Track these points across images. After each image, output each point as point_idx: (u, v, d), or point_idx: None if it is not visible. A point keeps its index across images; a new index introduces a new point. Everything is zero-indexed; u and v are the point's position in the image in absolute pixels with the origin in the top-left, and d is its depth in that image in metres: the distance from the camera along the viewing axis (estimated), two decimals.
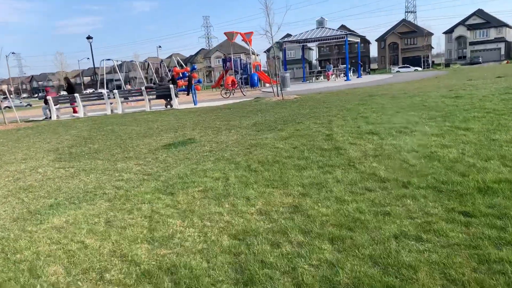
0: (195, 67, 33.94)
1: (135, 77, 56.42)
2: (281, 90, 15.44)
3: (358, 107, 10.03)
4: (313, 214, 3.44)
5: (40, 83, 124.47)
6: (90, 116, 15.59)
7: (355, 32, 27.48)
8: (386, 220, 3.20)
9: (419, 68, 61.86)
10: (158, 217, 3.75)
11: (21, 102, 43.98)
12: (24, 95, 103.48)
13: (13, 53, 57.96)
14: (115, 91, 15.38)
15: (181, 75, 31.92)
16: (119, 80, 31.40)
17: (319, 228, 3.17)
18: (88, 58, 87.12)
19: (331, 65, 31.12)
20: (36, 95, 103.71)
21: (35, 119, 16.80)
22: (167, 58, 79.28)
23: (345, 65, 31.97)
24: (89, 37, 31.87)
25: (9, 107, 42.77)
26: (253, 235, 3.17)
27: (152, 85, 38.31)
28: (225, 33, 35.20)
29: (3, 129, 13.54)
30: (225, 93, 20.17)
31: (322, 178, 4.42)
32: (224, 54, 40.88)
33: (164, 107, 15.89)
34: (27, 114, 23.11)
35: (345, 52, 26.96)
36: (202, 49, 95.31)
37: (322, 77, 35.60)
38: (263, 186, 4.35)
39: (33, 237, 3.55)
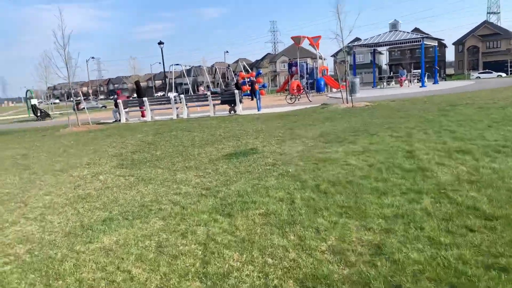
0: (261, 71, 33.86)
1: (202, 82, 58.00)
2: (350, 96, 14.54)
3: (440, 119, 8.92)
4: (401, 260, 2.75)
5: (116, 85, 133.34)
6: (157, 120, 15.88)
7: (431, 35, 25.39)
8: (504, 280, 2.41)
9: (503, 74, 56.35)
10: (213, 245, 3.28)
11: (97, 104, 47.02)
12: (101, 96, 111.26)
13: (92, 57, 62.64)
14: (182, 96, 15.52)
15: (246, 80, 31.96)
16: (187, 84, 32.24)
17: (412, 282, 2.48)
18: (159, 63, 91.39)
19: (404, 70, 29.17)
20: (112, 97, 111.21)
21: (106, 121, 17.55)
22: (234, 63, 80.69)
23: (418, 70, 29.94)
24: (160, 43, 33.13)
25: (86, 108, 46.20)
26: (326, 284, 2.56)
27: (217, 89, 38.95)
28: (292, 38, 34.70)
29: (76, 130, 14.20)
30: (290, 98, 19.61)
31: (407, 208, 3.67)
32: (289, 59, 40.35)
33: (228, 112, 15.72)
34: (100, 116, 24.43)
35: (421, 57, 25.08)
36: (268, 53, 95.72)
37: (393, 83, 33.68)
38: (336, 214, 3.71)
39: (79, 259, 3.25)
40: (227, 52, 69.85)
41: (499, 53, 71.25)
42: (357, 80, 19.67)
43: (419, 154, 5.62)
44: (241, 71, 33.68)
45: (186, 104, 15.62)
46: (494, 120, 8.11)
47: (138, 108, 17.02)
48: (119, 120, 16.23)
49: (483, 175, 4.41)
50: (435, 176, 4.55)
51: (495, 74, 56.17)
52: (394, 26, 26.99)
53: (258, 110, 15.87)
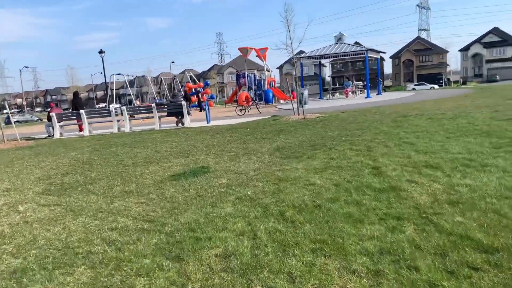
0: (208, 82, 33.05)
1: (147, 92, 56.02)
2: (300, 108, 14.25)
3: (396, 130, 8.72)
4: None
5: (54, 97, 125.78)
6: (96, 134, 14.53)
7: (375, 49, 26.20)
8: None
9: (436, 86, 60.18)
10: None
11: (32, 117, 43.59)
12: (38, 109, 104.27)
13: (26, 67, 58.20)
14: (123, 107, 14.34)
15: (193, 91, 31.04)
16: (131, 95, 30.66)
17: None
18: (101, 73, 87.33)
19: (350, 82, 29.85)
20: (49, 109, 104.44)
21: (38, 136, 15.82)
22: (180, 73, 79.13)
23: (360, 82, 30.86)
24: (101, 51, 31.27)
25: (19, 122, 42.55)
26: None
27: (163, 101, 37.64)
28: (239, 49, 34.39)
29: (0, 148, 12.52)
30: (240, 110, 19.03)
31: (391, 240, 3.12)
32: (237, 70, 40.01)
33: (175, 125, 14.78)
34: (34, 130, 22.26)
35: (365, 69, 25.74)
36: (215, 65, 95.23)
37: (337, 94, 34.39)
38: (309, 251, 3.07)
39: None
40: (173, 62, 68.15)
41: (431, 66, 76.42)
42: (306, 92, 19.56)
43: (386, 170, 5.20)
44: (188, 82, 32.69)
45: (128, 117, 14.46)
46: (449, 131, 8.02)
47: (75, 121, 15.53)
48: (53, 135, 14.67)
49: (462, 194, 4.01)
50: (411, 196, 4.09)
51: (428, 85, 59.90)
52: (339, 39, 27.55)
53: (208, 123, 15.09)
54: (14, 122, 41.92)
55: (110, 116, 14.52)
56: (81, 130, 15.17)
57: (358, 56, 25.94)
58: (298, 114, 13.74)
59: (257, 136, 9.88)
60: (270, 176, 5.53)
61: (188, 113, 14.53)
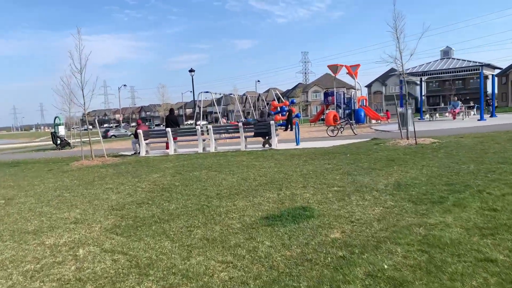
0: (294, 101, 31.85)
1: (233, 110, 56.70)
2: (403, 130, 12.15)
3: None
4: None
5: (147, 113, 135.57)
6: (181, 153, 13.89)
7: (491, 63, 22.64)
8: None
9: None
10: None
11: (126, 131, 46.33)
12: (133, 124, 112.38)
13: (124, 85, 62.87)
14: (209, 126, 13.55)
15: (279, 109, 29.99)
16: (217, 113, 30.63)
17: None
18: (190, 91, 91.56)
19: (459, 102, 26.34)
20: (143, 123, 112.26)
21: (124, 153, 15.74)
22: (265, 92, 79.55)
23: (458, 102, 27.11)
24: (191, 70, 31.87)
25: (115, 136, 45.52)
26: None
27: (249, 119, 37.22)
28: (328, 66, 32.72)
29: (88, 164, 12.36)
30: (332, 130, 17.26)
31: None
32: (325, 88, 38.25)
33: (261, 146, 13.57)
34: (122, 146, 22.83)
35: (480, 87, 22.25)
36: (300, 83, 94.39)
37: (437, 115, 30.75)
38: None
39: None
40: (258, 81, 68.69)
41: None
42: (410, 112, 17.15)
43: None
44: (274, 100, 31.77)
45: (213, 136, 13.60)
46: None
47: (161, 139, 15.16)
48: (139, 153, 14.37)
49: None
50: None
51: None
52: (446, 54, 24.43)
53: (297, 144, 13.62)
54: (110, 136, 45.16)
55: (195, 134, 13.81)
56: (167, 148, 14.70)
57: (472, 72, 22.57)
58: (407, 138, 11.61)
59: (363, 165, 8.10)
60: (408, 235, 3.80)
61: (276, 134, 13.21)
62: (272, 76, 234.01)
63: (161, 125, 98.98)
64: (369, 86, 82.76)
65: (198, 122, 31.02)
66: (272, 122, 12.91)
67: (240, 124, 13.20)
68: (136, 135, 14.47)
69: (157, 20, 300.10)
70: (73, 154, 17.64)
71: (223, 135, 14.44)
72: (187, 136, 14.42)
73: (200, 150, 13.63)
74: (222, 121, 25.86)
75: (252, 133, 13.53)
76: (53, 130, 25.70)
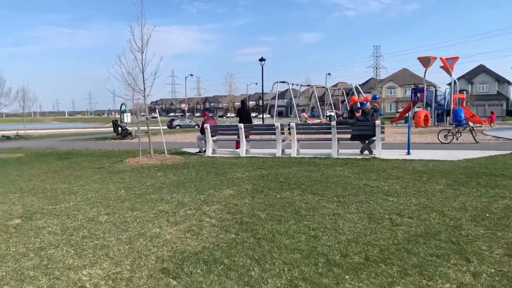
0: (377, 96, 28.01)
1: (298, 105, 53.41)
2: None
3: None
4: None
5: (212, 104, 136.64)
6: (254, 155, 11.22)
7: None
8: None
9: None
10: None
11: (190, 122, 45.10)
12: (197, 114, 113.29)
13: (191, 75, 62.34)
14: (292, 124, 10.74)
15: (358, 105, 26.39)
16: (282, 106, 27.74)
17: None
18: (256, 83, 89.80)
19: None
20: (210, 114, 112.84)
21: (188, 150, 13.41)
22: (332, 86, 75.10)
23: None
24: (261, 59, 29.28)
25: (180, 126, 44.44)
26: None
27: (333, 113, 33.67)
28: (419, 58, 28.40)
29: (144, 163, 10.11)
30: (446, 136, 13.61)
31: None
32: (415, 84, 33.66)
33: (359, 152, 10.49)
34: (186, 139, 20.76)
35: None
36: (372, 78, 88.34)
37: None
38: None
39: None
40: (329, 74, 64.21)
41: None
42: None
43: None
44: (354, 95, 28.17)
45: (296, 136, 10.74)
46: None
47: (229, 136, 12.66)
48: (204, 151, 11.95)
49: None
50: None
51: None
52: None
53: (408, 153, 10.33)
54: (175, 126, 44.13)
55: (273, 133, 11.05)
56: (237, 147, 12.14)
57: None
58: None
59: None
60: None
61: (381, 138, 10.02)
62: (339, 70, 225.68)
63: (224, 117, 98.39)
64: (450, 84, 74.98)
65: (266, 116, 28.36)
66: (378, 122, 9.75)
67: (334, 123, 10.18)
68: (202, 130, 12.04)
69: (224, 12, 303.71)
70: (133, 146, 15.76)
71: (310, 136, 11.52)
72: (263, 135, 11.74)
73: (278, 153, 10.85)
74: (304, 116, 22.59)
75: (348, 135, 10.47)
76: (116, 118, 24.54)
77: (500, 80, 66.11)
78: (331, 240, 3.92)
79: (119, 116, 34.06)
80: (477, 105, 56.64)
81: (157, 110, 13.10)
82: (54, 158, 12.32)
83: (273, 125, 10.93)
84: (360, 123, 10.06)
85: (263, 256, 3.57)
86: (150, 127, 12.96)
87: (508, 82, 67.43)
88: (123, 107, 30.66)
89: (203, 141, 12.13)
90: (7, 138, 25.47)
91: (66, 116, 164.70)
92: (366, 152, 10.37)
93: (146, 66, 10.92)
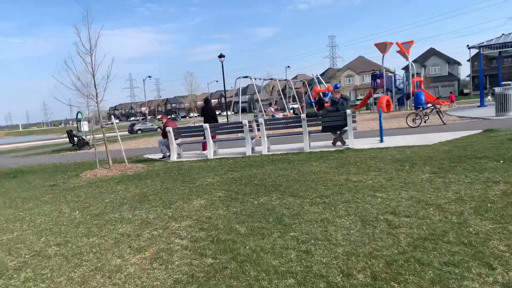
0: (338, 85, 27.88)
1: (258, 100, 52.86)
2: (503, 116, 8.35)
3: None
4: None
5: (173, 105, 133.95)
6: (223, 156, 10.53)
7: None
8: None
9: None
10: None
11: (152, 125, 43.51)
12: (159, 116, 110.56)
13: (149, 77, 60.39)
14: (260, 120, 10.11)
15: (321, 96, 26.22)
16: (244, 102, 27.07)
17: None
18: (217, 81, 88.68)
19: None
20: (169, 116, 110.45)
21: (151, 156, 12.49)
22: (293, 79, 75.24)
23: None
24: (221, 56, 28.43)
25: (141, 130, 42.74)
26: None
27: (295, 105, 33.26)
28: (376, 44, 28.59)
29: (103, 176, 9.18)
30: (414, 120, 13.47)
31: None
32: (373, 70, 34.06)
33: (331, 144, 10.05)
34: (149, 143, 19.69)
35: None
36: (329, 68, 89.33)
37: (490, 98, 26.15)
38: None
39: None
40: (288, 67, 64.17)
41: None
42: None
43: None
44: (316, 86, 27.97)
45: (266, 132, 10.13)
46: None
47: (196, 138, 11.88)
48: (169, 156, 11.11)
49: None
50: None
51: None
52: None
53: (381, 141, 10.00)
54: (137, 131, 42.40)
55: (241, 131, 10.38)
56: (204, 149, 11.39)
57: None
58: None
59: None
60: None
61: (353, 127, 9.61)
62: (298, 63, 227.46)
63: (187, 117, 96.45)
64: (406, 68, 77.26)
65: (230, 113, 27.64)
66: (349, 111, 9.31)
67: (303, 115, 9.65)
68: (164, 134, 11.18)
69: (177, 12, 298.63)
70: (91, 157, 14.58)
71: (279, 131, 10.96)
72: (230, 134, 11.06)
73: (248, 151, 10.21)
74: (270, 110, 21.88)
75: (319, 128, 9.99)
76: (70, 128, 22.94)
77: (450, 61, 68.76)
78: (327, 254, 3.34)
79: (76, 125, 32.20)
80: (433, 87, 58.51)
81: (112, 116, 12.09)
82: (1, 179, 11.06)
83: (241, 122, 10.26)
84: (330, 114, 9.59)
85: (249, 286, 2.93)
86: (109, 134, 11.98)
87: (458, 63, 70.22)
88: (79, 116, 28.94)
89: (164, 146, 11.27)
90: None
91: (20, 129, 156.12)
92: (339, 143, 9.95)
93: (96, 70, 9.94)
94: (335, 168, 7.19)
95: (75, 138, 20.74)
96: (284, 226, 4.24)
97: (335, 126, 9.62)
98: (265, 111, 21.93)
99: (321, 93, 26.99)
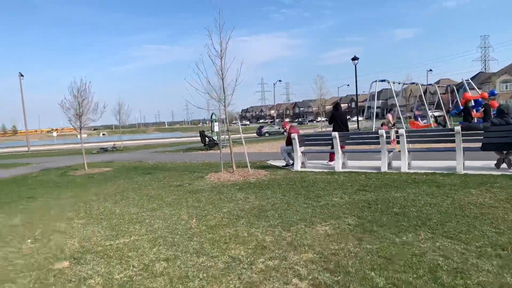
0: (495, 92, 23.67)
1: (393, 105, 49.01)
2: None
3: None
4: None
5: (301, 109, 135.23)
6: (352, 170, 9.37)
7: None
8: None
9: None
10: None
11: (279, 128, 44.03)
12: (287, 120, 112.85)
13: (280, 81, 61.60)
14: (401, 131, 8.63)
15: (472, 103, 22.54)
16: (378, 107, 24.83)
17: None
18: (348, 85, 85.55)
19: None
20: (296, 120, 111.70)
21: (274, 163, 11.96)
22: (435, 83, 68.08)
23: None
24: (354, 58, 26.92)
25: (268, 133, 43.54)
26: None
27: (435, 113, 29.57)
28: None
29: (225, 180, 8.91)
30: None
31: None
32: None
33: (494, 166, 8.01)
34: (273, 148, 19.38)
35: None
36: (481, 72, 78.46)
37: None
38: None
39: None
40: (430, 70, 58.17)
41: None
42: None
43: None
44: (466, 92, 24.25)
45: (407, 146, 8.61)
46: None
47: (319, 147, 10.97)
48: (292, 165, 10.43)
49: None
50: None
51: None
52: None
53: None
54: (264, 133, 43.43)
55: (376, 142, 9.06)
56: (331, 159, 10.38)
57: None
58: None
59: None
60: None
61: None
62: (440, 66, 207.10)
63: (315, 121, 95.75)
64: None
65: (364, 121, 25.82)
66: None
67: (458, 128, 7.86)
68: (289, 141, 10.53)
69: (310, 16, 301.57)
70: (218, 158, 14.89)
71: (422, 145, 9.29)
72: (362, 145, 9.83)
73: (384, 167, 8.83)
74: (388, 118, 19.35)
75: (478, 144, 8.05)
76: (202, 129, 24.29)
77: None
78: None
79: (209, 125, 34.37)
80: None
81: (237, 118, 12.07)
82: (137, 173, 11.88)
83: (376, 132, 8.95)
84: (496, 127, 7.59)
85: None
86: (237, 136, 11.92)
87: None
88: (213, 117, 30.70)
89: (287, 154, 10.60)
90: (105, 150, 26.87)
91: (166, 126, 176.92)
92: (504, 165, 7.85)
93: (226, 73, 9.81)
94: (506, 201, 5.45)
95: (206, 138, 21.80)
96: (442, 287, 3.02)
97: (503, 143, 7.59)
98: (399, 118, 19.66)
99: (472, 101, 23.27)
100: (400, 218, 4.98)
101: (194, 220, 5.69)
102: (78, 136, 14.86)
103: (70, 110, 13.46)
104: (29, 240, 5.20)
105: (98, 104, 13.84)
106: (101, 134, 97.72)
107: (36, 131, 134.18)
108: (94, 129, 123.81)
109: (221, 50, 9.72)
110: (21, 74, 38.45)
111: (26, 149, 39.44)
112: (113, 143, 35.40)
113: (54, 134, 63.91)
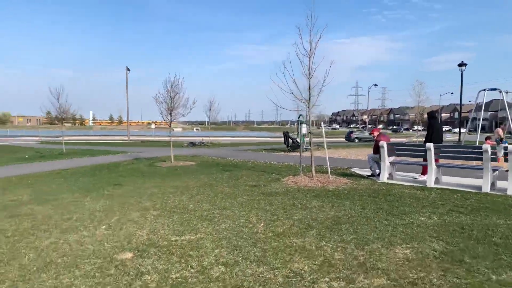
0: None
1: (505, 118, 43.39)
2: None
3: None
4: None
5: (397, 116, 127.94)
6: (446, 187, 8.30)
7: None
8: None
9: None
10: None
11: (370, 134, 41.99)
12: (380, 126, 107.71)
13: (375, 85, 58.90)
14: (511, 147, 7.33)
15: None
16: (485, 119, 21.95)
17: None
18: (452, 93, 78.61)
19: None
20: (391, 127, 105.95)
21: (359, 171, 11.18)
22: None
23: None
24: (461, 64, 24.37)
25: (358, 139, 41.79)
26: None
27: None
28: None
29: (303, 185, 8.49)
30: None
31: None
32: None
33: None
34: (359, 155, 18.33)
35: None
36: None
37: None
38: None
39: None
40: None
41: None
42: None
43: None
44: None
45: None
46: None
47: (412, 159, 9.96)
48: (378, 175, 9.63)
49: None
50: None
51: None
52: None
53: None
54: (353, 139, 41.73)
55: (479, 158, 7.88)
56: (424, 173, 9.35)
57: None
58: None
59: None
60: None
61: None
62: None
63: (410, 130, 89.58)
64: None
65: (469, 134, 23.31)
66: None
67: None
68: (376, 149, 9.74)
69: (415, 19, 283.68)
70: (296, 163, 14.52)
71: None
72: (461, 160, 8.65)
73: (485, 187, 7.64)
74: (497, 132, 16.62)
75: None
76: (287, 130, 24.06)
77: None
78: None
79: (296, 126, 34.13)
80: None
81: (322, 123, 11.55)
82: (217, 170, 12.06)
83: (480, 147, 7.78)
84: None
85: None
86: (326, 139, 11.46)
87: None
88: (301, 118, 30.35)
89: (376, 162, 9.81)
90: (193, 145, 28.11)
91: (254, 125, 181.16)
92: None
93: (313, 73, 9.42)
94: None
95: (290, 140, 21.52)
96: None
97: None
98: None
99: None
100: (501, 250, 4.14)
101: (262, 225, 5.44)
102: (175, 129, 15.66)
103: (163, 104, 14.21)
104: (103, 227, 5.43)
105: (188, 100, 14.41)
106: (194, 129, 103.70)
107: (138, 122, 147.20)
108: (189, 124, 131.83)
109: (310, 49, 9.37)
110: (128, 68, 42.04)
111: (126, 138, 43.24)
112: (201, 138, 37.14)
113: (152, 126, 69.21)
